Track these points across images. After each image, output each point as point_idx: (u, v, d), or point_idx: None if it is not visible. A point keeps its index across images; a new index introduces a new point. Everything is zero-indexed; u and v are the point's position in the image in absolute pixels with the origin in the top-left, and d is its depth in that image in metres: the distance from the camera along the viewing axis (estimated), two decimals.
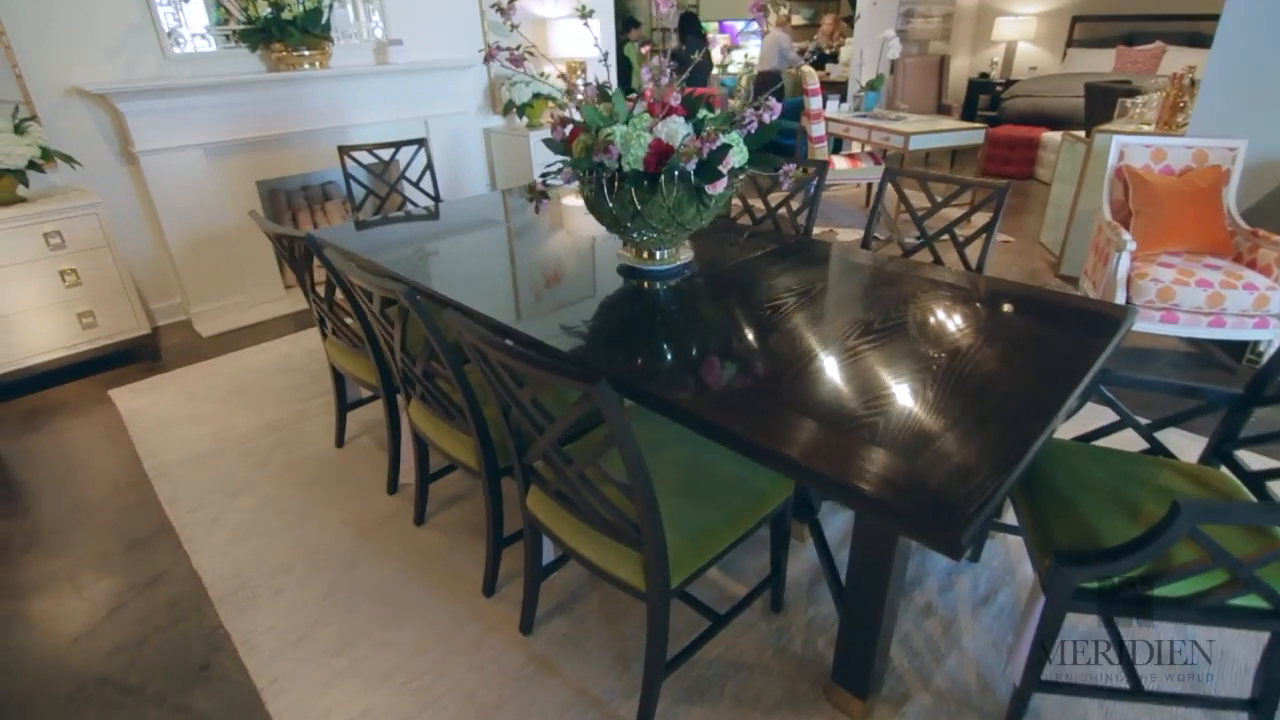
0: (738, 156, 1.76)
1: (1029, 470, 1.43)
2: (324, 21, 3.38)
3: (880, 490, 0.99)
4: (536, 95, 4.15)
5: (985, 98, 7.11)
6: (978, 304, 1.64)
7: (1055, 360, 1.35)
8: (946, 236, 2.13)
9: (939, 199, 2.19)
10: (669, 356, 1.46)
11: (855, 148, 5.10)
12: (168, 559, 1.93)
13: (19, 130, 2.60)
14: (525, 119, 4.29)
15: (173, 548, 1.97)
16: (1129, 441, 1.53)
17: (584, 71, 4.56)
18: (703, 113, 1.80)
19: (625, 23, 7.42)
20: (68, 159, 2.77)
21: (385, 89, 3.71)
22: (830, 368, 1.35)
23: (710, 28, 9.66)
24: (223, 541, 1.98)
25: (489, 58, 1.69)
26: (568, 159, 1.81)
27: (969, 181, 2.12)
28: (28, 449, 2.47)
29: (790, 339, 1.49)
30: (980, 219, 2.14)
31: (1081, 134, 3.78)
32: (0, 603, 1.80)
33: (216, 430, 2.51)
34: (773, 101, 1.88)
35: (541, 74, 4.28)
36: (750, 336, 1.54)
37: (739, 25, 9.30)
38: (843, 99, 5.17)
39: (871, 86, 5.09)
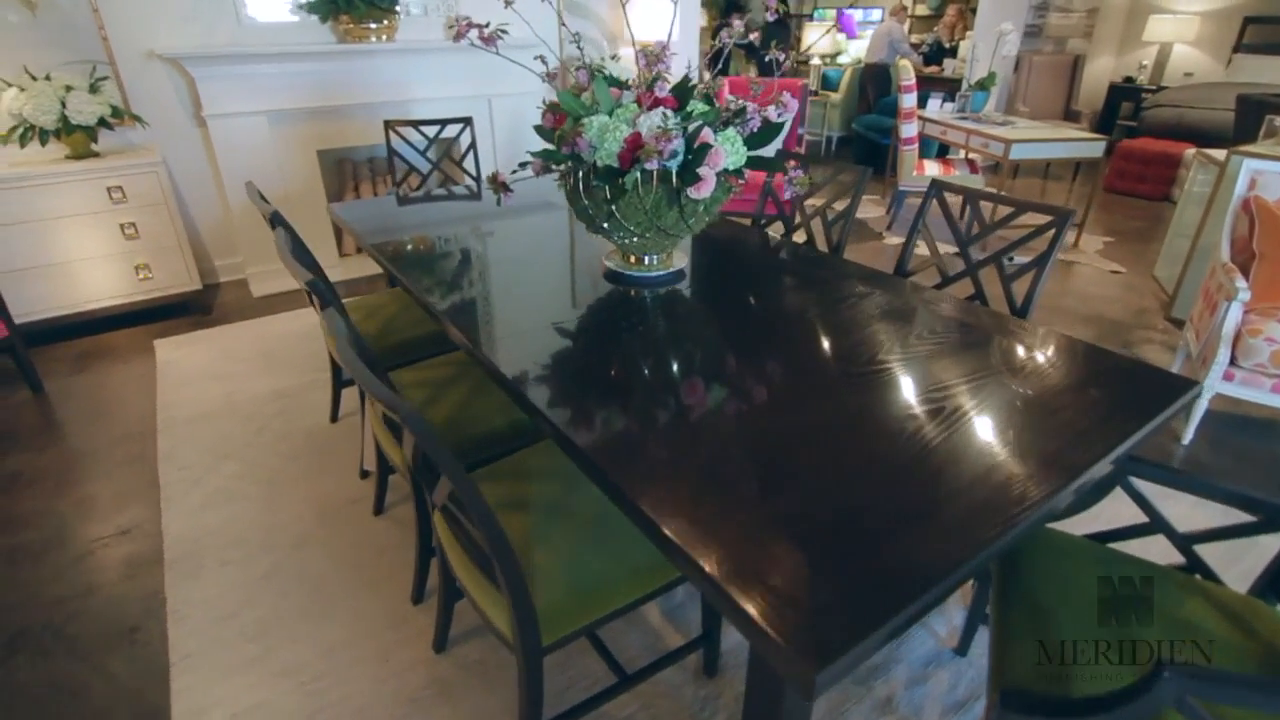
0: (730, 158, 1.56)
1: (1011, 563, 1.16)
2: None
3: (742, 598, 0.80)
4: (606, 79, 4.01)
5: (1128, 105, 6.28)
6: (994, 356, 1.36)
7: (1065, 441, 1.07)
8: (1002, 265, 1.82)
9: (996, 219, 1.88)
10: (593, 386, 1.29)
11: (967, 154, 4.63)
12: (143, 514, 1.99)
13: (93, 89, 2.77)
14: None
15: (151, 504, 2.02)
16: (1164, 549, 1.22)
17: (664, 56, 4.38)
18: (695, 106, 1.60)
19: (726, 7, 7.13)
20: (136, 118, 2.94)
21: (449, 65, 3.69)
22: (770, 426, 1.14)
23: (828, 15, 9.16)
24: (196, 504, 2.01)
25: (459, 35, 1.57)
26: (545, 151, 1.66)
27: (1025, 203, 1.80)
28: (71, 389, 2.64)
29: (741, 382, 1.29)
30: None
31: (1220, 154, 3.20)
32: None
33: (230, 391, 2.58)
34: (786, 98, 1.67)
35: (612, 56, 4.15)
36: (696, 372, 1.34)
37: (858, 15, 8.74)
38: (948, 98, 4.70)
39: (981, 86, 4.59)
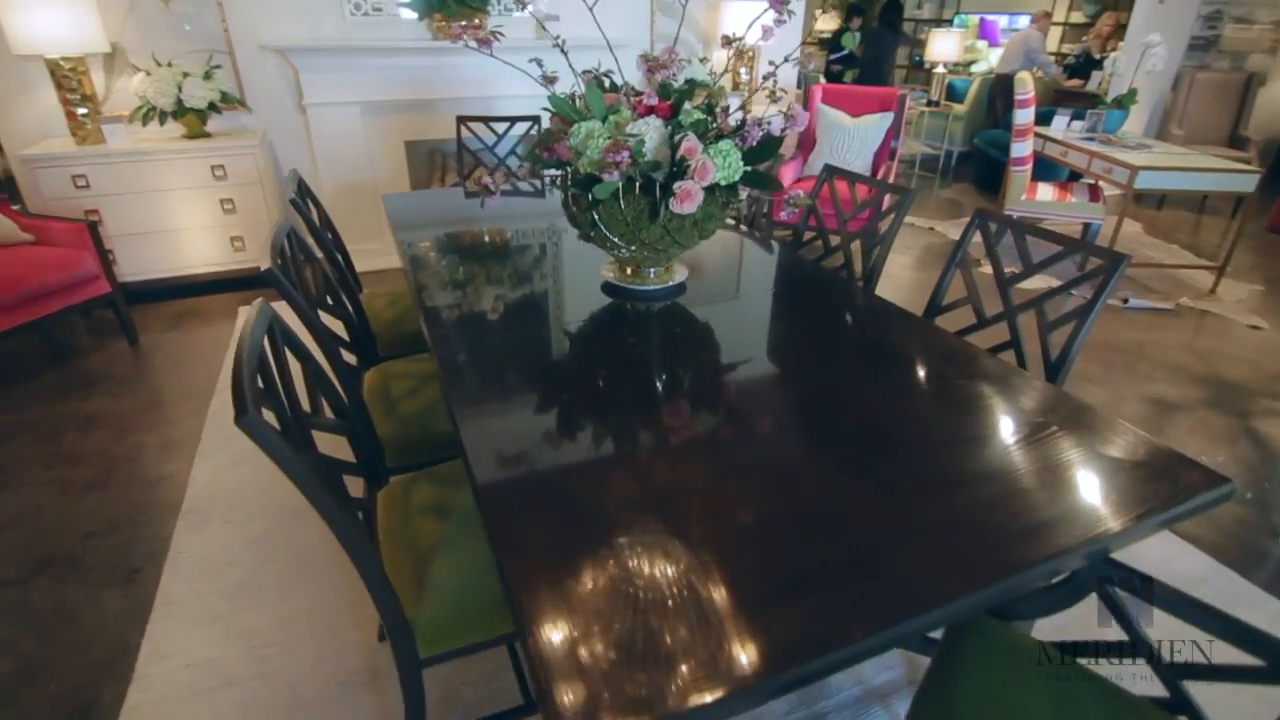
0: (720, 173, 1.47)
1: (951, 658, 1.01)
2: None
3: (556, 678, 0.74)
4: (689, 81, 3.93)
5: None
6: (980, 417, 1.19)
7: (1020, 528, 0.91)
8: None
9: (1039, 259, 1.65)
10: (529, 410, 1.26)
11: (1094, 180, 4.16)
12: (178, 466, 2.17)
13: (206, 76, 3.06)
14: None
15: (187, 457, 2.21)
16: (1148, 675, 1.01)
17: (754, 60, 4.25)
18: (688, 116, 1.51)
19: (849, 10, 6.80)
20: (241, 103, 3.22)
21: (532, 64, 3.76)
22: (677, 472, 1.06)
23: (969, 21, 8.54)
24: (222, 463, 2.18)
25: (455, 37, 1.57)
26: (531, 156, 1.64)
27: (1076, 243, 1.56)
28: (161, 344, 2.95)
29: (675, 427, 1.21)
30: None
31: None
32: (55, 466, 2.16)
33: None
34: (798, 110, 1.55)
35: (701, 59, 4.08)
36: (645, 402, 1.27)
37: (1003, 21, 8.07)
38: (1077, 115, 4.21)
39: (1119, 104, 4.08)
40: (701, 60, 4.16)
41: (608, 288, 1.72)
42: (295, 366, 1.20)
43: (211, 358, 2.82)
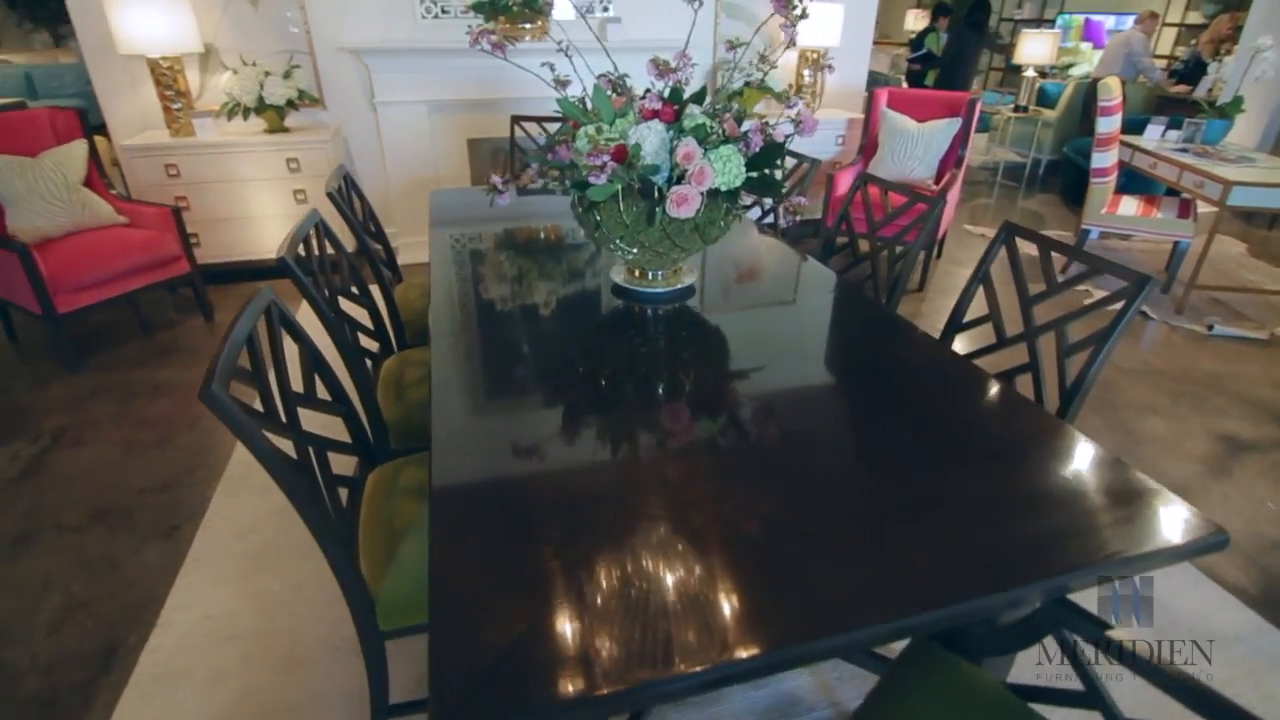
0: (720, 178, 1.46)
1: (896, 690, 0.98)
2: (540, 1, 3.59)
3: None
4: (747, 84, 3.89)
5: None
6: (958, 435, 1.15)
7: (967, 563, 0.88)
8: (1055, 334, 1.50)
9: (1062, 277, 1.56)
10: (506, 408, 1.30)
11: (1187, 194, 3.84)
12: (227, 435, 2.34)
13: (286, 75, 3.29)
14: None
15: None
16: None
17: (823, 63, 4.15)
18: (692, 120, 1.51)
19: (936, 9, 6.53)
20: (316, 101, 3.44)
21: (595, 66, 3.82)
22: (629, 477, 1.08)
23: (1073, 22, 8.03)
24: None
25: (474, 41, 1.63)
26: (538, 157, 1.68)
27: (1102, 262, 1.46)
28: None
29: (652, 435, 1.22)
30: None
31: None
32: (123, 427, 2.39)
33: None
34: (806, 117, 1.53)
35: (763, 59, 4.03)
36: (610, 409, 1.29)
37: (1109, 21, 7.54)
38: (1173, 124, 3.88)
39: (1222, 113, 3.75)
40: (764, 62, 4.11)
41: (616, 289, 1.74)
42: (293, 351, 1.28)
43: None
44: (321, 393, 1.35)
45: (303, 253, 1.61)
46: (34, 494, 2.06)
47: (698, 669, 0.72)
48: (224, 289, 3.48)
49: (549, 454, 1.09)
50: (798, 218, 1.58)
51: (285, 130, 3.45)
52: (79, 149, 2.90)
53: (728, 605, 0.79)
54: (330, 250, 1.76)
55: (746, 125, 1.54)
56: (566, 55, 1.67)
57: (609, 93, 1.67)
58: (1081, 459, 1.07)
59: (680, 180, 1.46)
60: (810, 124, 1.53)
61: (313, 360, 1.33)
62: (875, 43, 10.62)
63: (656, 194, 1.48)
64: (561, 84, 1.71)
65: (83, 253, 2.72)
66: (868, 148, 3.91)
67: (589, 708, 0.69)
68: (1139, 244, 4.34)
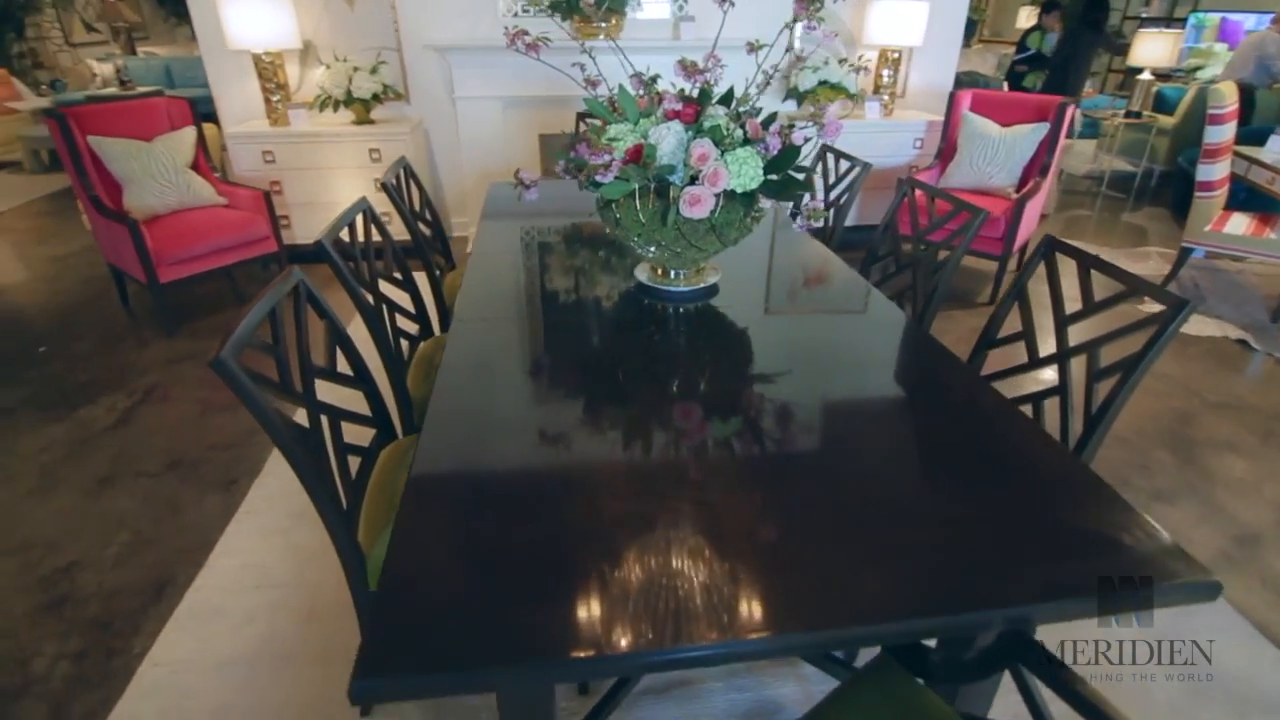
0: (735, 180, 1.46)
1: (835, 704, 0.97)
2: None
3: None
4: (823, 83, 3.82)
5: None
6: (968, 476, 1.11)
7: (931, 582, 0.86)
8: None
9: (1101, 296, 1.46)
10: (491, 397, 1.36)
11: None
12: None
13: (373, 70, 3.50)
14: (807, 107, 4.01)
15: None
16: None
17: (899, 63, 4.01)
18: (714, 121, 1.52)
19: (1044, 6, 6.12)
20: (399, 95, 3.64)
21: (666, 64, 3.85)
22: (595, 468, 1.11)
23: (1207, 21, 7.34)
24: None
25: (510, 41, 1.69)
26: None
27: (1139, 282, 1.36)
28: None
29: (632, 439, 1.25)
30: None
31: None
32: (204, 389, 2.64)
33: None
34: (830, 120, 1.51)
35: (841, 60, 3.96)
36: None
37: (1249, 21, 6.83)
38: None
39: None
40: (842, 62, 4.02)
41: (640, 287, 1.77)
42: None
43: (345, 316, 3.24)
44: (344, 369, 1.46)
45: (346, 238, 1.73)
46: (122, 442, 2.32)
47: (624, 651, 0.74)
48: (309, 268, 3.73)
49: (534, 439, 1.14)
50: (813, 222, 1.56)
51: (371, 122, 3.68)
52: (188, 135, 3.20)
53: (672, 592, 0.80)
54: (377, 237, 1.89)
55: (770, 126, 1.53)
56: (609, 53, 1.70)
57: (639, 93, 1.69)
58: (1077, 492, 1.01)
59: (694, 181, 1.47)
60: (833, 127, 1.50)
61: (335, 337, 1.43)
62: (982, 41, 10.10)
63: (671, 194, 1.50)
64: (591, 84, 1.75)
65: (184, 229, 3.01)
66: (946, 152, 3.75)
67: (506, 672, 0.73)
68: (1254, 267, 3.94)
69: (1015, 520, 0.94)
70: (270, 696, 1.46)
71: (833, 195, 2.46)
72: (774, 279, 1.95)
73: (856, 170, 2.36)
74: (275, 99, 3.51)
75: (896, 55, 3.93)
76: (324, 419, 1.30)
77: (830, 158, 2.54)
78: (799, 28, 1.65)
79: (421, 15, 3.69)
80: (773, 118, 1.64)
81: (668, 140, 1.49)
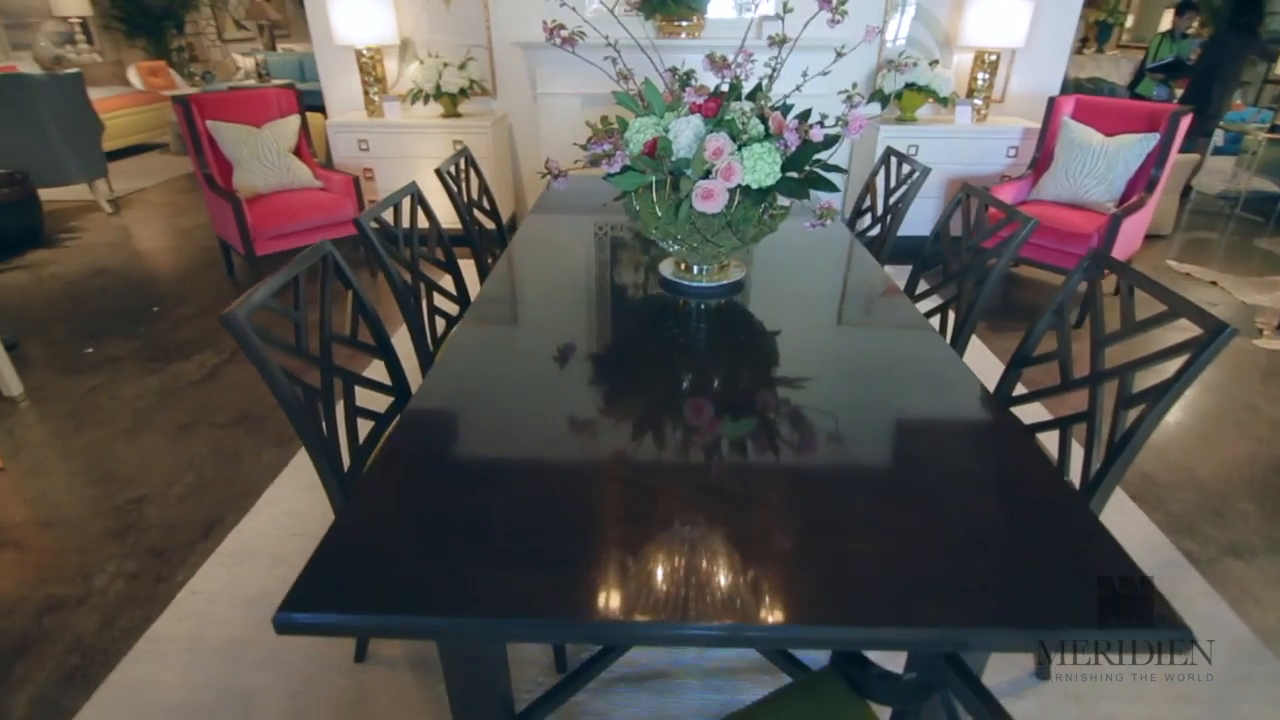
0: (749, 175, 1.45)
1: (766, 705, 0.96)
2: None
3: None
4: (910, 85, 3.66)
5: None
6: (954, 493, 1.06)
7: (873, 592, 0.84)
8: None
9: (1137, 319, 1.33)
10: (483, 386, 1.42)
11: None
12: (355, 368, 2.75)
13: (461, 67, 3.69)
14: (892, 110, 3.85)
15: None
16: None
17: (994, 64, 3.77)
18: (734, 115, 1.51)
19: (1179, 7, 5.56)
20: (485, 89, 3.80)
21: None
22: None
23: None
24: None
25: (549, 35, 1.74)
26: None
27: (1181, 303, 1.23)
28: None
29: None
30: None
31: None
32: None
33: None
34: (854, 117, 1.47)
35: (932, 62, 3.80)
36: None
37: None
38: None
39: None
40: (933, 64, 3.86)
41: (663, 282, 1.78)
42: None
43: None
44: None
45: (389, 220, 1.85)
46: (205, 395, 2.58)
47: (540, 620, 0.76)
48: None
49: (513, 413, 1.18)
50: (825, 221, 1.51)
51: (458, 115, 3.87)
52: (292, 122, 3.50)
53: (605, 567, 0.82)
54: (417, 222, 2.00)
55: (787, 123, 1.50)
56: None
57: (673, 88, 1.70)
58: (1061, 525, 0.93)
59: (708, 175, 1.47)
60: (857, 124, 1.45)
61: (359, 307, 1.54)
62: (1120, 47, 9.29)
63: (683, 187, 1.50)
64: (624, 77, 1.77)
65: (280, 208, 3.29)
66: (1041, 162, 3.50)
67: (422, 622, 0.77)
68: None
69: (980, 546, 0.88)
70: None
71: (891, 201, 2.36)
72: (807, 282, 1.90)
73: (916, 175, 2.26)
74: (373, 92, 3.76)
75: (994, 57, 3.71)
76: (337, 384, 1.38)
77: (894, 161, 2.44)
78: (891, 28, 1.60)
79: (511, 14, 3.84)
80: (806, 114, 1.61)
81: (685, 134, 1.49)
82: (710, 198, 1.45)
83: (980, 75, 3.75)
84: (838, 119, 1.48)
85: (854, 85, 1.63)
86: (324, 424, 1.32)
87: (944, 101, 3.70)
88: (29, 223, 4.03)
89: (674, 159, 1.49)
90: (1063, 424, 1.41)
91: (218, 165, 3.34)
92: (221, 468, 2.18)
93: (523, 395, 1.25)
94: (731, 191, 1.47)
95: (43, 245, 4.15)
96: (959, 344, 1.79)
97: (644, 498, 0.95)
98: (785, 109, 1.64)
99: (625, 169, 1.53)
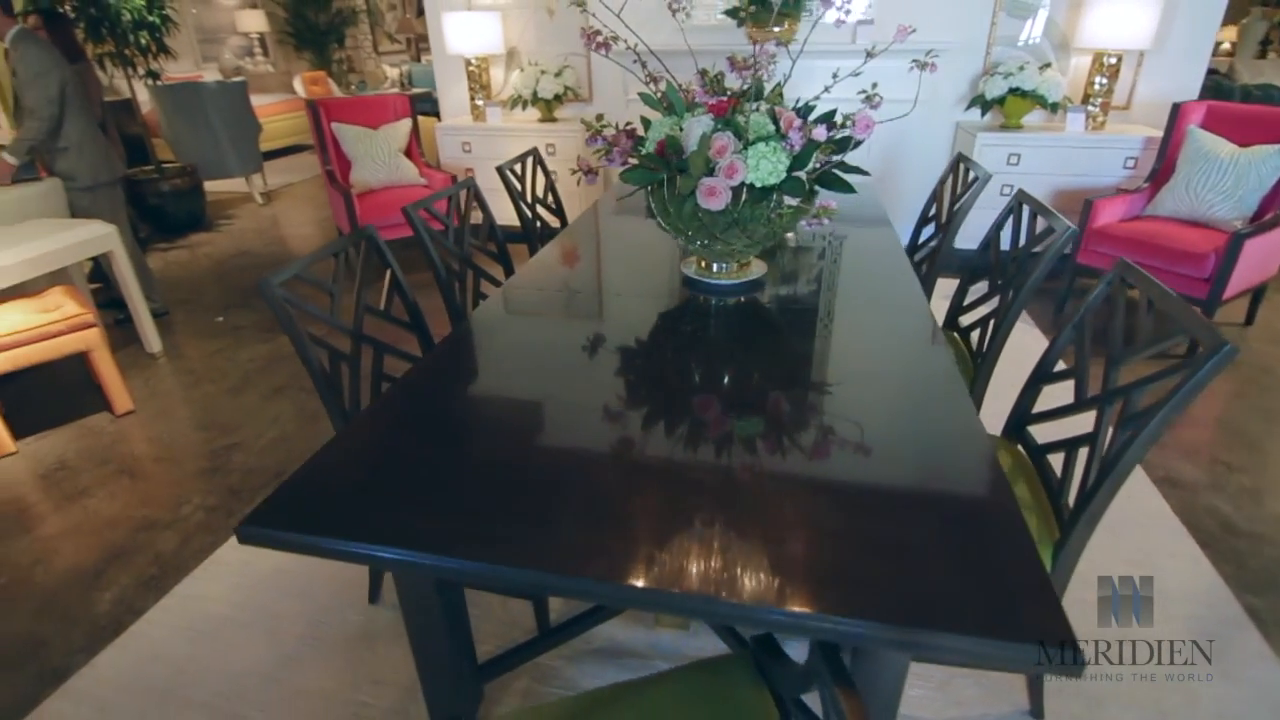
0: (753, 173, 1.48)
1: (668, 676, 1.00)
2: (803, 2, 3.63)
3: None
4: (1013, 90, 3.44)
5: None
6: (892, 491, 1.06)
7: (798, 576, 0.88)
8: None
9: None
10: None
11: None
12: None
13: (558, 74, 3.89)
14: (990, 116, 3.64)
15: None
16: None
17: (1114, 68, 3.45)
18: (755, 118, 1.53)
19: None
20: (579, 95, 3.99)
21: (840, 69, 3.75)
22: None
23: None
24: None
25: (586, 40, 1.84)
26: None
27: (1185, 316, 1.13)
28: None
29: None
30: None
31: None
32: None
33: None
34: (861, 117, 1.47)
35: (1044, 66, 3.58)
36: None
37: None
38: None
39: None
40: (1044, 67, 3.64)
41: (685, 279, 1.82)
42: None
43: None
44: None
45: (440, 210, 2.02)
46: (299, 363, 2.91)
47: (468, 561, 0.86)
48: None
49: (510, 384, 1.29)
50: (824, 219, 1.50)
51: (553, 120, 4.09)
52: (404, 125, 3.86)
53: (547, 524, 0.90)
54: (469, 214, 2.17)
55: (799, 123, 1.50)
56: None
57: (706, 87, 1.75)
58: (990, 538, 0.90)
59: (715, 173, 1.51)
60: (863, 124, 1.44)
61: (395, 285, 1.71)
62: None
63: (680, 184, 1.55)
64: (653, 79, 1.84)
65: (386, 202, 3.64)
66: (1161, 174, 3.17)
67: (369, 551, 0.89)
68: None
69: (896, 550, 0.87)
70: (317, 570, 1.79)
71: (954, 208, 2.26)
72: (830, 283, 1.88)
73: (976, 182, 2.15)
74: (477, 98, 4.06)
75: (1114, 60, 3.40)
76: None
77: (962, 168, 2.33)
78: (996, 31, 1.59)
79: (609, 23, 4.00)
80: (829, 115, 1.61)
81: (694, 133, 1.54)
82: (714, 195, 1.48)
83: (1098, 79, 3.45)
84: (846, 118, 1.47)
85: (874, 85, 1.61)
86: (351, 390, 1.48)
87: (1053, 108, 3.44)
88: (194, 209, 4.71)
89: (683, 158, 1.54)
90: (1068, 446, 1.32)
91: (339, 163, 3.75)
92: (302, 427, 2.46)
93: (525, 368, 1.35)
94: (736, 190, 1.50)
95: (203, 229, 4.82)
96: (990, 355, 1.70)
97: (605, 473, 1.02)
98: (806, 110, 1.65)
99: (635, 166, 1.60)
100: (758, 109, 1.56)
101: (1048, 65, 3.54)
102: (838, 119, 1.51)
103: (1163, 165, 3.16)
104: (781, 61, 1.77)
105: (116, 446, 2.35)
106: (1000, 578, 0.82)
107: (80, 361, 2.46)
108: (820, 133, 1.46)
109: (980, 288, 1.89)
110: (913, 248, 2.48)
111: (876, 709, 0.98)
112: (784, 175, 1.49)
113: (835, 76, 1.74)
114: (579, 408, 1.21)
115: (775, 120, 1.54)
